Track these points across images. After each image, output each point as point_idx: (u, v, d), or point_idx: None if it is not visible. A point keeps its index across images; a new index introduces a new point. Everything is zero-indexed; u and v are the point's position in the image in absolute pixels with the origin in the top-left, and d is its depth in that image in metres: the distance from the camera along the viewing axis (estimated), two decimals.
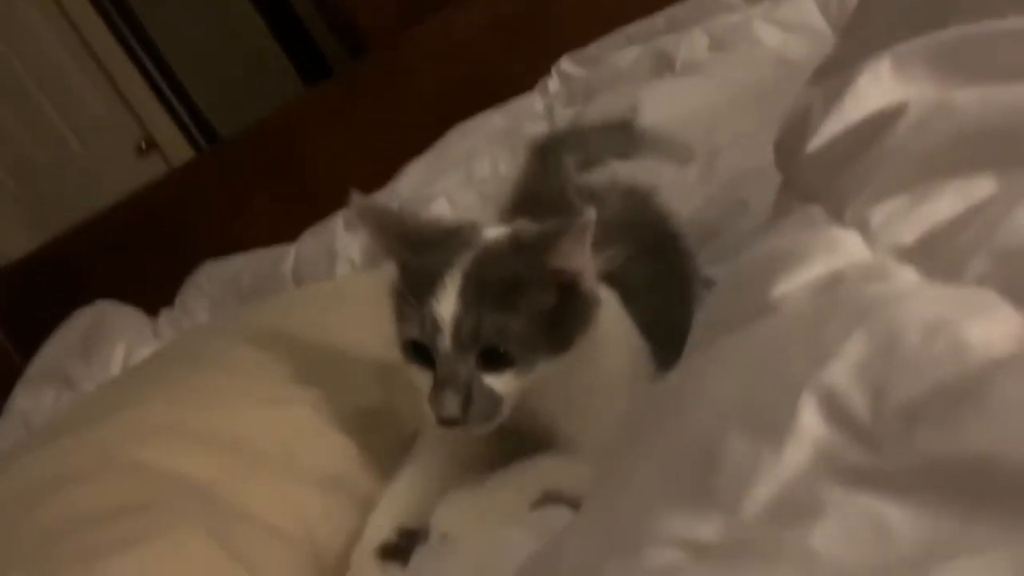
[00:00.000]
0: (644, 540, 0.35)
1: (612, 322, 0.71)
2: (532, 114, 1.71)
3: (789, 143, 0.56)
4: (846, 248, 0.43)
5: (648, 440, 0.43)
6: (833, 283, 0.41)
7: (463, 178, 1.57)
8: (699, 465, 0.36)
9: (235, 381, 0.86)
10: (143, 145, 2.78)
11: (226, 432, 0.77)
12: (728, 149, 1.12)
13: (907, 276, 0.40)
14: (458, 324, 0.62)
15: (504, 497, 0.69)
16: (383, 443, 0.84)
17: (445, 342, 0.63)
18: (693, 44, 1.51)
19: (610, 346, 0.71)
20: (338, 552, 0.72)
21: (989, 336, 0.32)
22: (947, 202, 0.42)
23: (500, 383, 0.64)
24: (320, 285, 1.42)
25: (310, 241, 1.68)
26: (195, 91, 2.80)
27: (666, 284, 0.83)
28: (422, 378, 0.66)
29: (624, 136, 1.26)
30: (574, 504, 0.63)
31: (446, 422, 0.63)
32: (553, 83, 1.78)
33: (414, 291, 0.65)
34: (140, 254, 2.06)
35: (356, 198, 0.71)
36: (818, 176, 0.51)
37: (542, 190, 1.09)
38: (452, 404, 0.62)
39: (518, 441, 0.72)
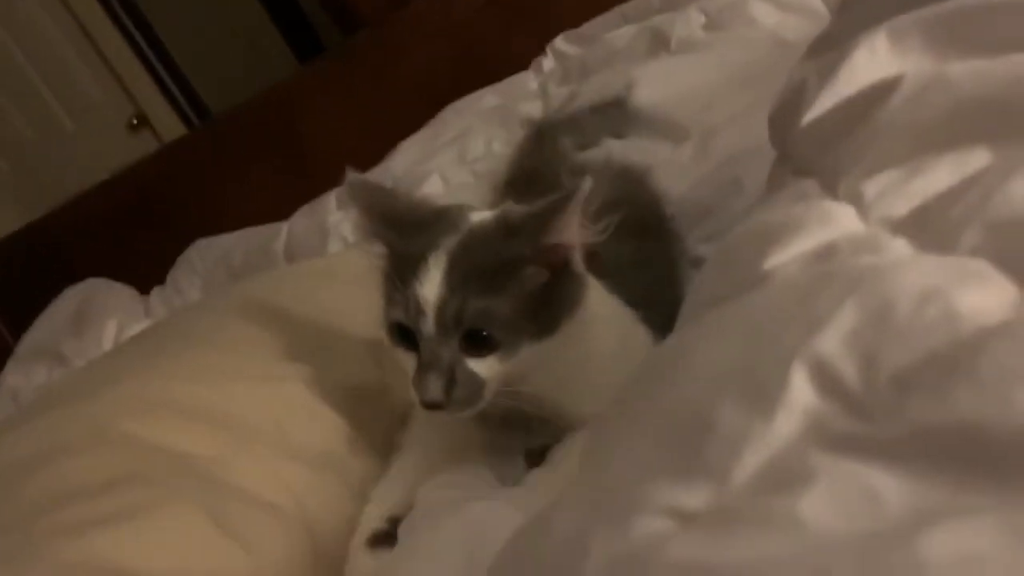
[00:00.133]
0: (632, 509, 0.35)
1: (601, 303, 0.71)
2: (526, 93, 1.70)
3: (784, 117, 0.56)
4: (839, 221, 0.43)
5: (638, 410, 0.43)
6: (826, 255, 0.41)
7: (456, 156, 1.56)
8: (689, 434, 0.36)
9: (227, 358, 0.86)
10: (134, 121, 2.76)
11: (218, 408, 0.77)
12: (723, 128, 1.11)
13: (900, 248, 0.39)
14: (441, 307, 0.62)
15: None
16: (375, 420, 0.84)
17: (428, 325, 0.63)
18: (689, 23, 1.51)
19: (600, 326, 0.70)
20: (330, 529, 0.72)
21: (981, 305, 0.32)
22: (941, 175, 0.42)
23: (483, 367, 0.64)
24: (312, 262, 1.41)
25: (302, 219, 1.67)
26: (187, 68, 2.77)
27: (654, 265, 0.83)
28: (408, 361, 0.66)
29: (617, 114, 1.26)
30: None
31: (429, 405, 0.63)
32: (548, 62, 1.77)
33: (400, 274, 0.65)
34: (131, 232, 2.05)
35: (351, 175, 0.71)
36: (812, 150, 0.51)
37: (537, 168, 1.10)
38: (435, 387, 0.62)
39: (511, 425, 0.72)
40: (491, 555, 0.45)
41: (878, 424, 0.31)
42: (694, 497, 0.34)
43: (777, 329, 0.37)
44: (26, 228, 2.23)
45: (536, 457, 0.73)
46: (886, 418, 0.31)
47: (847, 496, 0.30)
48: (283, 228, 1.68)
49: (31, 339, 1.74)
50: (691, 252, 0.92)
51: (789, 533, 0.30)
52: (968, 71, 0.44)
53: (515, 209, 0.67)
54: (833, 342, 0.34)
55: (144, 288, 1.85)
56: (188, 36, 2.77)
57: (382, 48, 1.94)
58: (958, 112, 0.43)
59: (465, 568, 0.56)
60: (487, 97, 1.74)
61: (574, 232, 0.64)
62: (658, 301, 0.76)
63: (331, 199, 1.65)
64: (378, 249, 0.70)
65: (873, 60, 0.50)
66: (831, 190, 0.47)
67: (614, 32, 1.65)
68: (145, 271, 1.87)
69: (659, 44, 1.52)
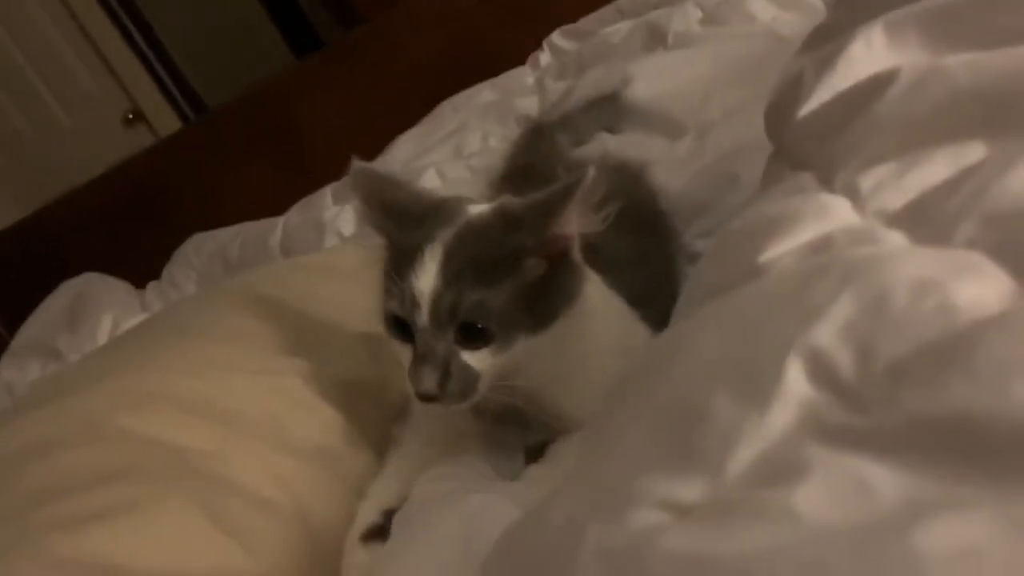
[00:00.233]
0: (628, 502, 0.35)
1: (599, 298, 0.71)
2: (523, 88, 1.70)
3: (780, 110, 0.56)
4: (835, 214, 0.43)
5: (634, 402, 0.43)
6: (822, 247, 0.41)
7: (453, 151, 1.56)
8: (684, 427, 0.36)
9: (224, 351, 0.85)
10: (130, 116, 2.75)
11: (214, 402, 0.77)
12: (720, 124, 1.11)
13: (896, 240, 0.39)
14: (436, 300, 0.62)
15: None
16: (373, 414, 0.84)
17: (423, 318, 0.63)
18: (685, 18, 1.51)
19: (598, 321, 0.70)
20: (327, 523, 0.72)
21: (977, 297, 0.32)
22: (937, 167, 0.41)
23: (477, 359, 0.64)
24: (309, 256, 1.41)
25: (298, 214, 1.67)
26: (183, 62, 2.77)
27: (651, 261, 0.83)
28: (404, 353, 0.66)
29: (611, 108, 1.26)
30: None
31: (423, 397, 0.63)
32: (544, 57, 1.77)
33: (396, 266, 0.65)
34: (127, 226, 2.05)
35: (357, 163, 0.70)
36: (808, 143, 0.51)
37: (533, 164, 1.09)
38: (429, 380, 0.62)
39: (509, 422, 0.72)
40: (486, 548, 0.45)
41: (874, 416, 0.31)
42: (689, 489, 0.34)
43: (773, 321, 0.37)
44: (21, 223, 2.23)
45: (535, 453, 0.73)
46: (882, 410, 0.31)
47: (842, 488, 0.30)
48: (279, 223, 1.68)
49: (26, 333, 1.73)
50: (688, 248, 0.92)
51: (784, 525, 0.30)
52: (964, 64, 0.44)
53: (514, 201, 0.67)
54: (829, 334, 0.34)
55: (140, 283, 1.85)
56: (184, 31, 2.76)
57: (379, 43, 1.94)
58: (954, 105, 0.43)
59: (460, 561, 0.56)
60: (483, 92, 1.74)
61: (576, 222, 0.64)
62: (655, 297, 0.76)
63: (327, 194, 1.65)
64: (378, 240, 0.70)
65: (869, 53, 0.50)
66: (827, 183, 0.47)
67: (611, 27, 1.65)
68: (141, 266, 1.87)
69: (656, 39, 1.52)
